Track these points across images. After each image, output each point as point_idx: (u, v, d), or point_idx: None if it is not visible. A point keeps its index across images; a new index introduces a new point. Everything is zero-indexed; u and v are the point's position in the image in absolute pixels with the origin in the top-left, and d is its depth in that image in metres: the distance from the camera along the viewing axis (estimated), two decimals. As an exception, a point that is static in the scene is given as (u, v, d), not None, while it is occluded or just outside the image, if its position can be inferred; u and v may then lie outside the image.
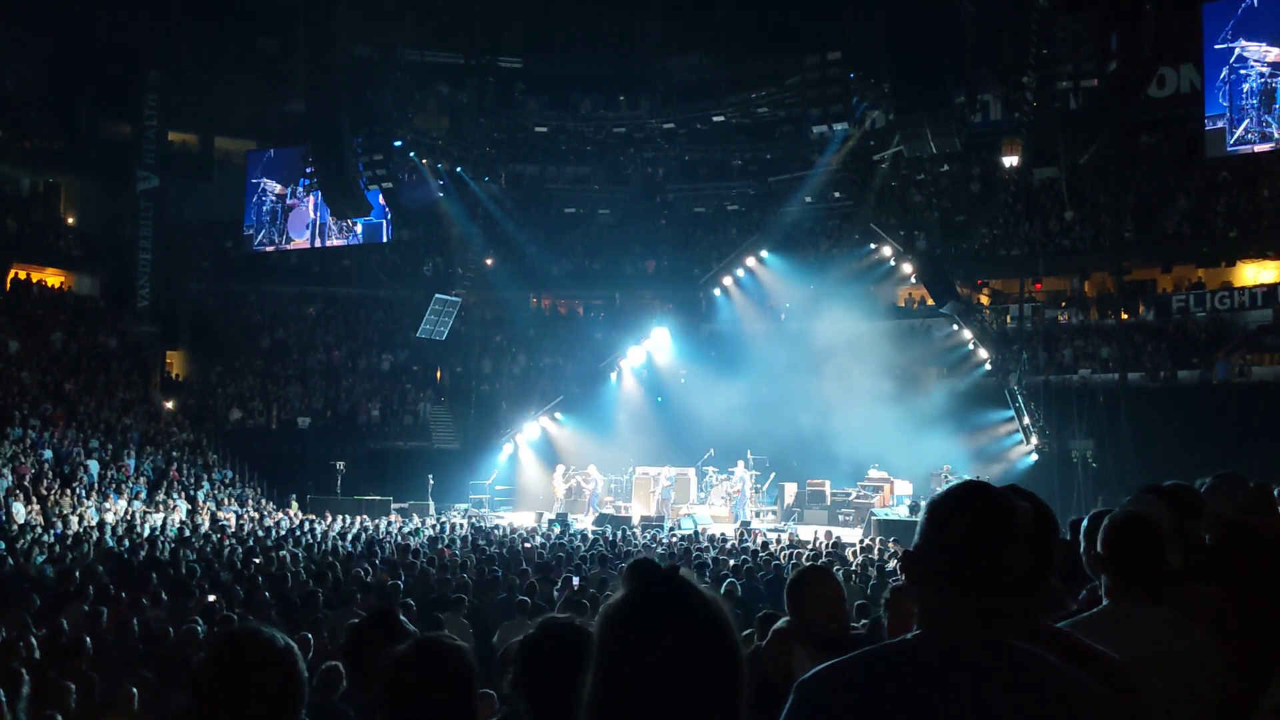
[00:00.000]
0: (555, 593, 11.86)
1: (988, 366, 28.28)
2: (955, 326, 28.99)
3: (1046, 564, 2.57)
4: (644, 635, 1.64)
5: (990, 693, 1.83)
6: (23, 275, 34.65)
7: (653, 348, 32.58)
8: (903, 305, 33.36)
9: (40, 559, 15.48)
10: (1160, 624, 2.97)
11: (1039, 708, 1.83)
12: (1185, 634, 2.97)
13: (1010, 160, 27.62)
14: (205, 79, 36.90)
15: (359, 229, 34.91)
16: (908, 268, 29.43)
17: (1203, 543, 3.77)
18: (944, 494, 2.06)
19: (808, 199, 31.67)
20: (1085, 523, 3.33)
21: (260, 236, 36.87)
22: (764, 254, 32.45)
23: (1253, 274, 29.74)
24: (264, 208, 36.68)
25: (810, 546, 17.95)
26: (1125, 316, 29.97)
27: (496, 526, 22.53)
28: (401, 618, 3.64)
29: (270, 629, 2.08)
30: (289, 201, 35.95)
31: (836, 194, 32.21)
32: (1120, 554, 3.07)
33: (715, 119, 30.74)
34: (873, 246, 30.98)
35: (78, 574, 12.69)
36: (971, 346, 28.74)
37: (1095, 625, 2.97)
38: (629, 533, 21.09)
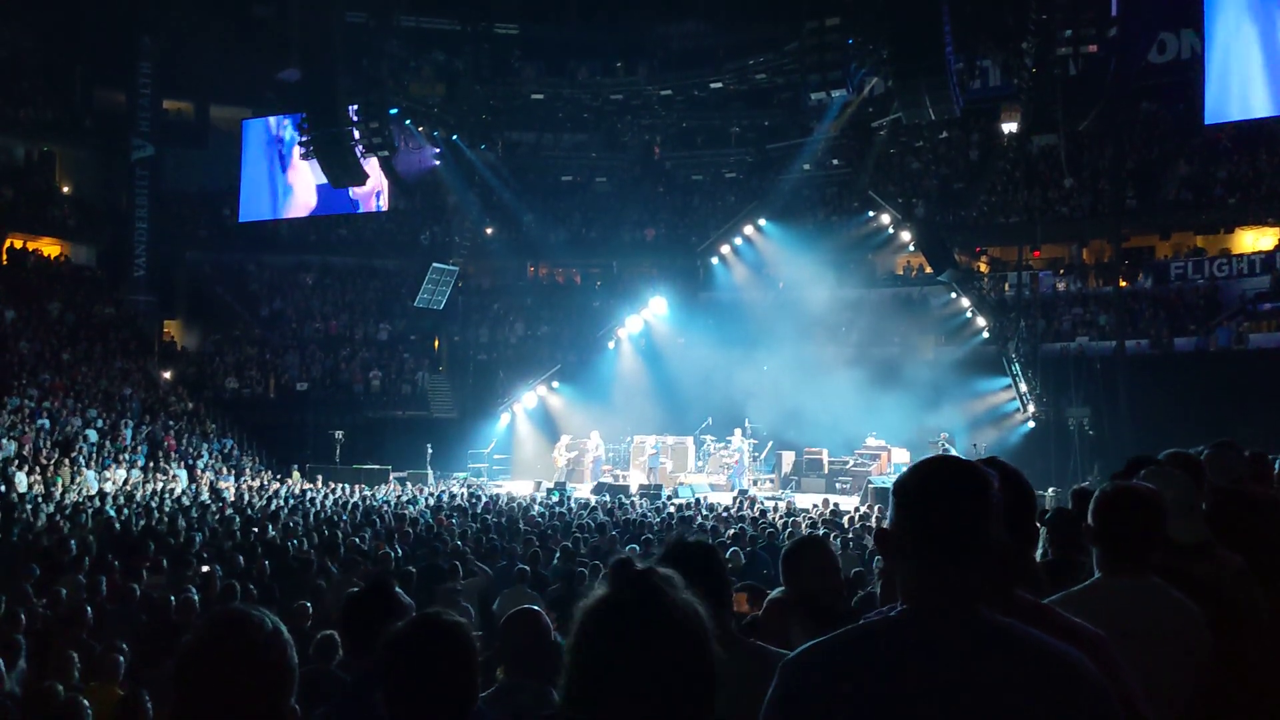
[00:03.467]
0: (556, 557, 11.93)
1: (985, 334, 28.27)
2: (953, 294, 28.97)
3: (1025, 537, 2.56)
4: (619, 639, 1.65)
5: (970, 666, 1.84)
6: (19, 244, 34.54)
7: (650, 316, 32.55)
8: (901, 273, 33.31)
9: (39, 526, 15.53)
10: (1149, 596, 2.98)
11: (1018, 680, 1.83)
12: (1173, 606, 2.98)
13: (1009, 127, 27.50)
14: (200, 46, 36.57)
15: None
16: (906, 235, 29.38)
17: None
18: (911, 470, 2.06)
19: (806, 166, 31.52)
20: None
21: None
22: (762, 222, 32.37)
23: (1251, 240, 29.69)
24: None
25: (808, 514, 18.00)
26: (1123, 284, 29.94)
27: (496, 496, 22.58)
28: (398, 590, 3.65)
29: (260, 610, 2.03)
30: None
31: (835, 161, 32.09)
32: (1110, 527, 3.08)
33: (713, 86, 30.54)
34: (871, 214, 30.90)
35: (75, 543, 12.72)
36: (970, 314, 28.73)
37: (1085, 598, 2.98)
38: (626, 501, 21.14)
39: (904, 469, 2.14)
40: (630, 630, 1.64)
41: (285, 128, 34.32)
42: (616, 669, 1.63)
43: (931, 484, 1.99)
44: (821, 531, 14.31)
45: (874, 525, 15.57)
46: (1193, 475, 3.72)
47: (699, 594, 2.81)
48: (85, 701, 5.65)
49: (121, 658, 6.90)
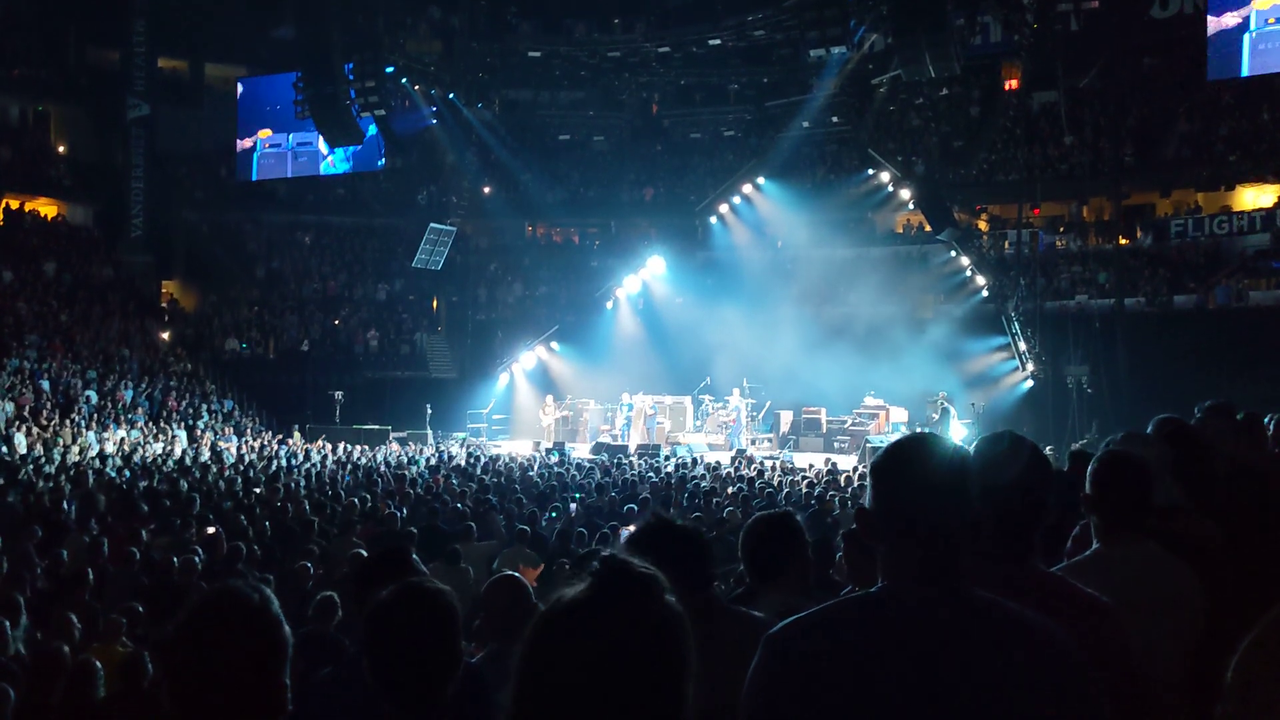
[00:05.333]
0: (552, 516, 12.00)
1: (985, 293, 28.22)
2: (953, 253, 28.88)
3: (1040, 511, 2.53)
4: (599, 640, 1.47)
5: (950, 642, 1.85)
6: (15, 205, 34.40)
7: (649, 276, 32.48)
8: (900, 231, 33.20)
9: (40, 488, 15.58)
10: (1148, 563, 3.01)
11: (998, 655, 1.85)
12: (1172, 573, 3.00)
13: (1010, 84, 27.29)
14: (193, 3, 36.25)
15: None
16: (906, 193, 29.19)
17: (1212, 480, 3.77)
18: (886, 450, 2.05)
19: (805, 124, 31.26)
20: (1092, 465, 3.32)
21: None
22: (760, 180, 32.13)
23: (1252, 198, 29.57)
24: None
25: (805, 474, 18.05)
26: (1123, 241, 29.86)
27: (496, 456, 22.63)
28: (414, 557, 3.67)
29: (251, 585, 2.04)
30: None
31: (834, 119, 31.78)
32: (1107, 495, 3.10)
33: (711, 42, 30.20)
34: (870, 172, 30.69)
35: (76, 505, 12.78)
36: (969, 273, 28.65)
37: (1085, 567, 3.01)
38: (625, 461, 21.22)
39: (884, 445, 2.13)
40: (610, 638, 1.46)
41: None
42: (585, 682, 1.44)
43: (906, 463, 1.99)
44: (819, 490, 14.35)
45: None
46: (1181, 442, 3.74)
47: (677, 577, 2.82)
48: (98, 663, 5.71)
49: (125, 620, 6.96)
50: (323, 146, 34.45)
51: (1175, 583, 2.98)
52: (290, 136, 35.74)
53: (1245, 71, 28.15)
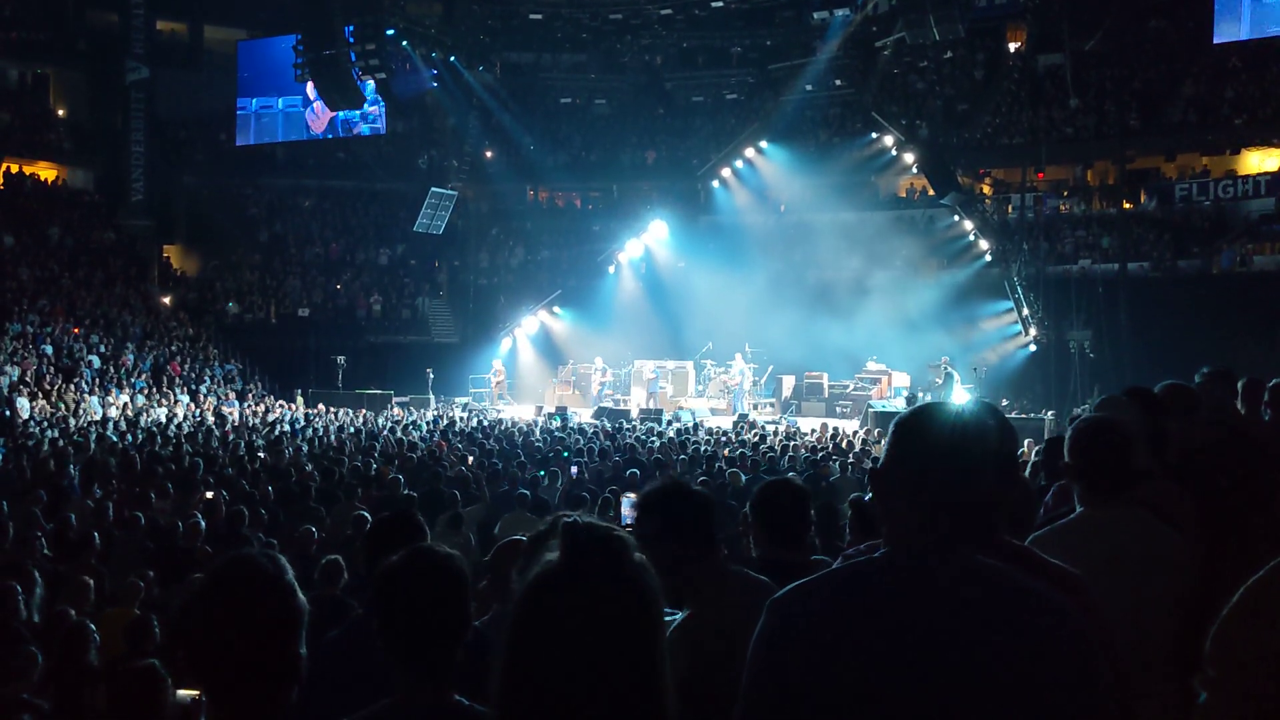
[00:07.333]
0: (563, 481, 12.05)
1: (988, 257, 28.16)
2: (956, 217, 28.78)
3: (1009, 481, 2.56)
4: (573, 605, 1.52)
5: (957, 608, 1.85)
6: (15, 169, 34.27)
7: (651, 240, 32.40)
8: (904, 195, 33.03)
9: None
10: (1132, 527, 3.01)
11: (1005, 623, 1.84)
12: (1157, 536, 3.02)
13: (1015, 46, 27.08)
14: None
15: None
16: (909, 157, 29.08)
17: (1178, 441, 3.80)
18: (911, 413, 2.04)
19: (808, 87, 31.08)
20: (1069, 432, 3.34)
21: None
22: (763, 144, 31.99)
23: (1257, 161, 29.38)
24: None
25: (807, 439, 18.09)
26: (1128, 205, 29.72)
27: (498, 421, 22.69)
28: (419, 519, 3.70)
29: (266, 554, 2.04)
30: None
31: (838, 82, 31.59)
32: (1088, 460, 3.11)
33: (714, 4, 30.04)
34: (874, 135, 30.55)
35: (80, 469, 12.84)
36: (972, 237, 28.58)
37: (1068, 531, 3.02)
38: (626, 426, 21.26)
39: (907, 407, 2.13)
40: (588, 601, 1.52)
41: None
42: (564, 646, 1.50)
43: (927, 425, 1.98)
44: (819, 457, 14.38)
45: (874, 452, 15.67)
46: (1159, 408, 3.76)
47: (689, 540, 2.86)
48: (92, 626, 5.75)
49: (142, 584, 7.01)
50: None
51: (1163, 547, 2.99)
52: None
53: (1245, 34, 27.91)
